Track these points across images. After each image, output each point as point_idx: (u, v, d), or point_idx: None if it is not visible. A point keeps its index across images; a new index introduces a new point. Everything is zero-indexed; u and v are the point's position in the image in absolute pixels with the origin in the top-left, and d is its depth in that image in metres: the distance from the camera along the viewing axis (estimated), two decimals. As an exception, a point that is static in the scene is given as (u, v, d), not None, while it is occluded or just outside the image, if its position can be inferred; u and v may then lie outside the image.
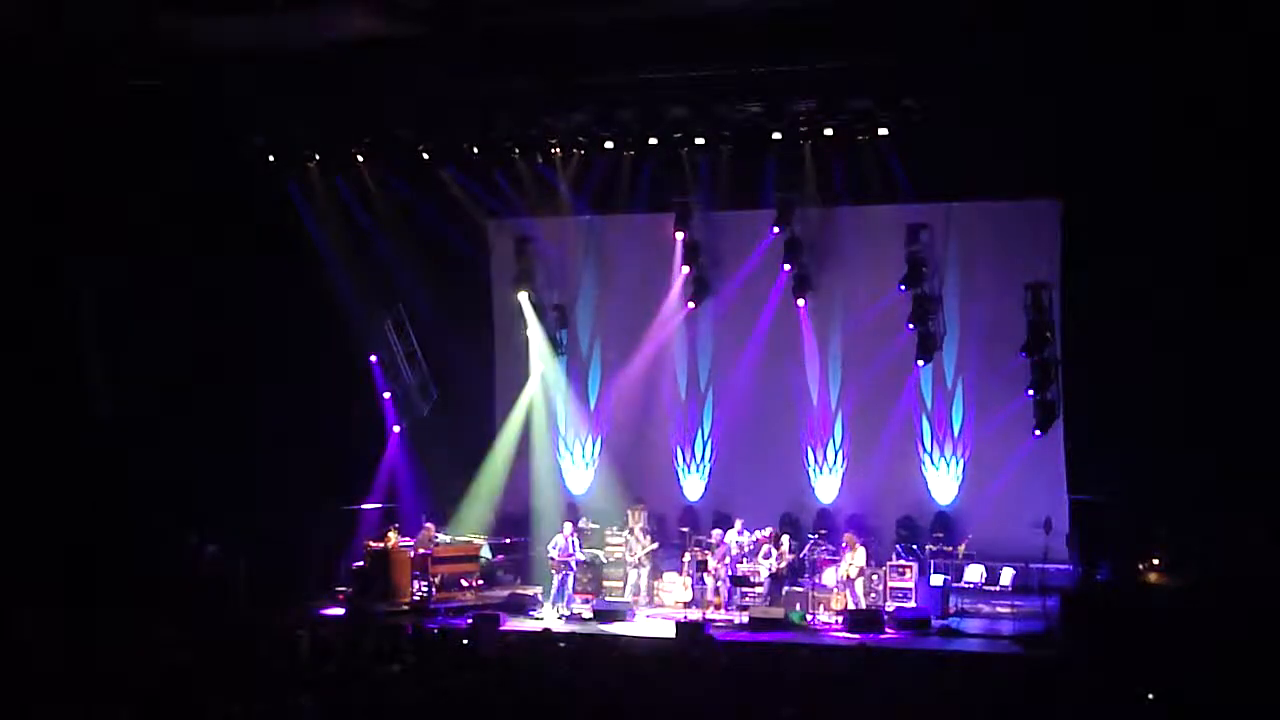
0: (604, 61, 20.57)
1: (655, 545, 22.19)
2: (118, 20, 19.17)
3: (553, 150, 22.88)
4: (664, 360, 24.24)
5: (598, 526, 22.91)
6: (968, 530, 21.95)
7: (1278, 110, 18.72)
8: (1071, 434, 21.91)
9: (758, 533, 21.59)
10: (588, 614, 20.82)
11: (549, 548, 21.73)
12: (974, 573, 21.38)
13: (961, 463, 22.91)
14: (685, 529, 22.84)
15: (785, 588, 20.91)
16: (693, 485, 24.37)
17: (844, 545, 20.96)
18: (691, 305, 23.80)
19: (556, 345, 24.76)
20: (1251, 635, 15.78)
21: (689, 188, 22.97)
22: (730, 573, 21.10)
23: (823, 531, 22.32)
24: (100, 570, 20.12)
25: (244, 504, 21.70)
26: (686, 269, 23.55)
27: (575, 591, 21.58)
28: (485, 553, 22.78)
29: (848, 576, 20.64)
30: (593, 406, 24.88)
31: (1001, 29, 18.78)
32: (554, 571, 21.52)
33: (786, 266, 22.97)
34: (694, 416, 24.35)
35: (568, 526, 22.04)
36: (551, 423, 24.92)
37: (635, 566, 21.88)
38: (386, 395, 24.58)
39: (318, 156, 23.40)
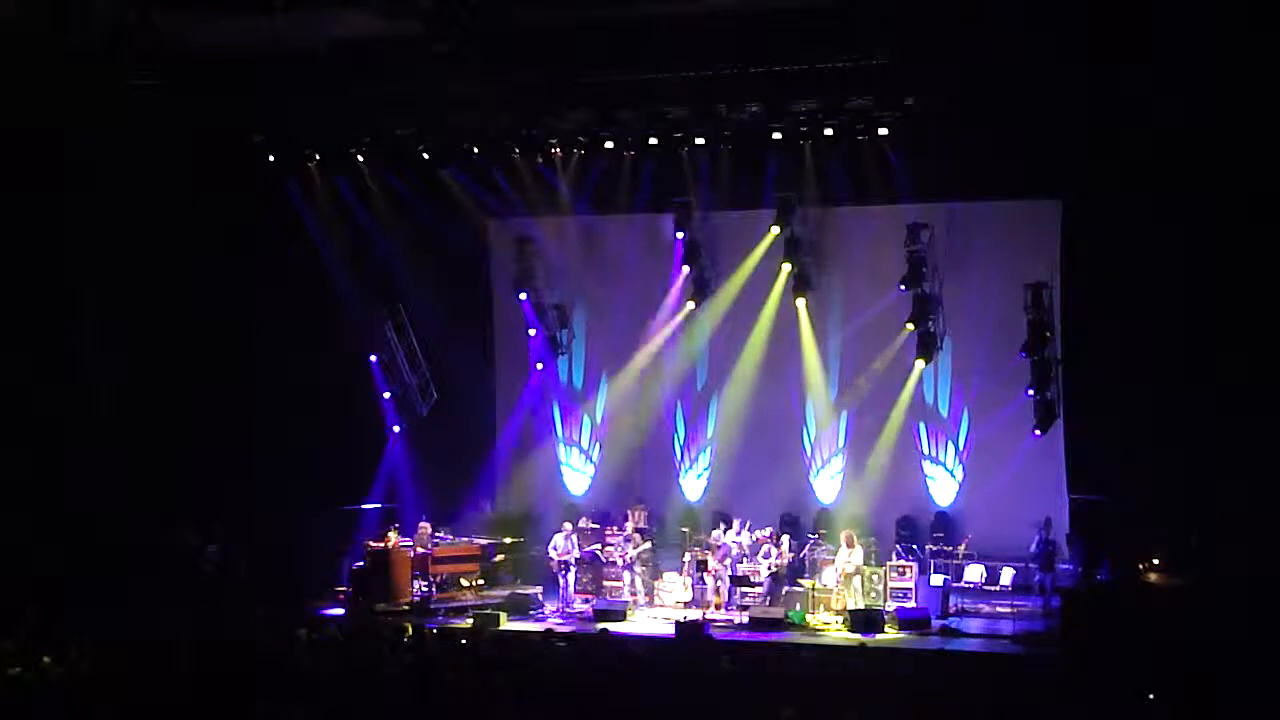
0: (604, 61, 20.57)
1: (647, 545, 22.17)
2: (118, 20, 19.17)
3: (553, 150, 22.88)
4: (664, 360, 24.24)
5: (598, 526, 22.91)
6: (968, 530, 21.96)
7: (1278, 109, 18.71)
8: (1071, 434, 21.92)
9: (758, 533, 21.60)
10: (588, 614, 20.83)
11: (549, 548, 21.74)
12: (974, 573, 21.39)
13: (961, 463, 22.92)
14: (685, 529, 22.84)
15: (785, 588, 20.91)
16: (693, 485, 24.38)
17: (841, 542, 20.98)
18: (691, 305, 23.79)
19: (556, 345, 24.77)
20: (1251, 635, 15.78)
21: (689, 188, 22.96)
22: (730, 573, 21.10)
23: (823, 531, 22.33)
24: (100, 570, 20.11)
25: (244, 504, 21.69)
26: (686, 269, 23.55)
27: (575, 591, 21.60)
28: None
29: (844, 574, 20.65)
30: (593, 406, 24.90)
31: (1001, 29, 18.78)
32: (555, 571, 21.55)
33: (786, 266, 22.97)
34: (694, 416, 24.36)
35: (567, 526, 22.06)
36: (551, 422, 24.94)
37: (626, 568, 21.86)
38: (386, 395, 24.58)
39: (318, 156, 23.39)
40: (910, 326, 22.33)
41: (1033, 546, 20.78)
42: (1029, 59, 19.13)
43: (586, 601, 21.43)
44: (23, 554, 19.77)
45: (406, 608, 21.13)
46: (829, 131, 21.42)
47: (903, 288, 22.22)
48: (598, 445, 24.85)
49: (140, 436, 21.96)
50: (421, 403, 24.80)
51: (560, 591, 21.52)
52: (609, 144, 22.45)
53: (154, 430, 22.02)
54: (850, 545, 20.78)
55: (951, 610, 20.67)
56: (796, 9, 19.17)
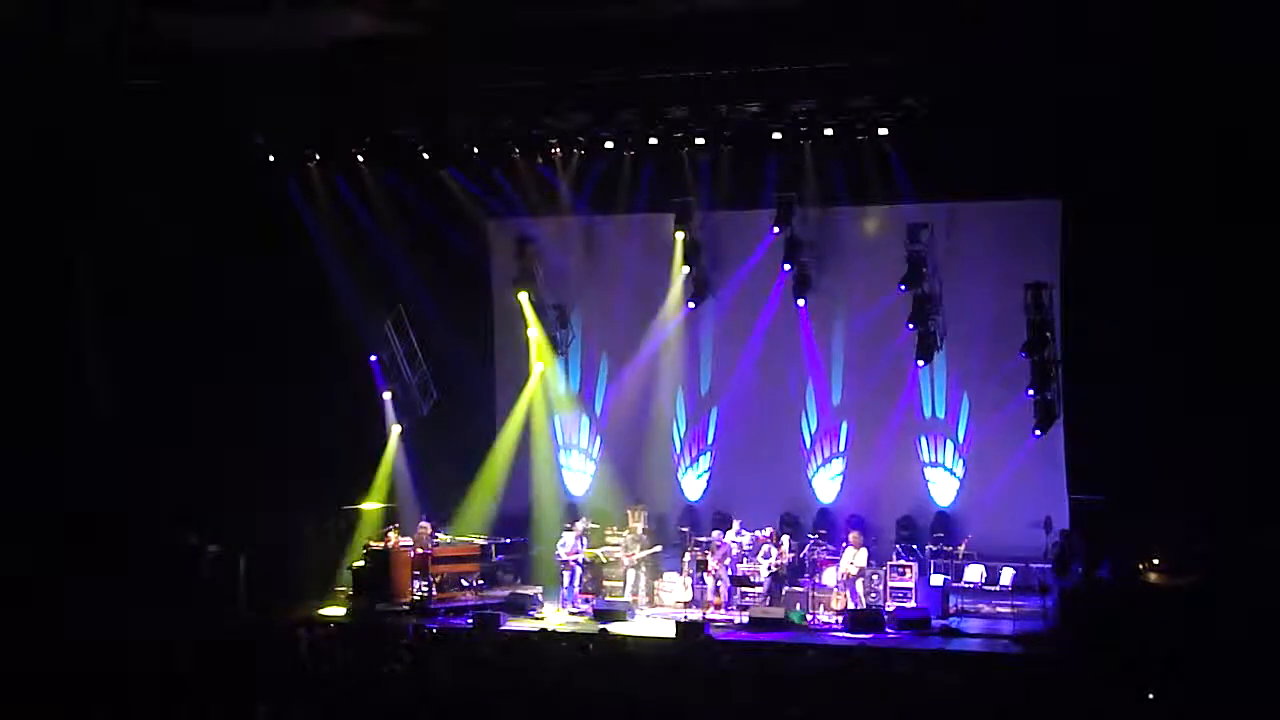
0: (604, 61, 20.57)
1: (658, 548, 22.19)
2: (118, 20, 19.18)
3: (553, 150, 22.87)
4: (664, 360, 24.23)
5: (598, 526, 22.91)
6: (968, 530, 21.96)
7: (1277, 108, 18.72)
8: (1071, 434, 21.92)
9: (758, 533, 21.60)
10: (588, 614, 20.84)
11: (558, 546, 21.77)
12: (974, 573, 21.39)
13: (961, 463, 22.92)
14: (685, 529, 22.83)
15: (785, 588, 20.92)
16: (693, 485, 24.38)
17: (847, 543, 20.97)
18: (691, 305, 23.79)
19: (556, 345, 24.77)
20: (1251, 635, 15.79)
21: (689, 188, 22.96)
22: (730, 573, 21.10)
23: (823, 531, 22.33)
24: (100, 570, 20.11)
25: (244, 504, 21.69)
26: (686, 269, 23.54)
27: (578, 591, 21.61)
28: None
29: (848, 575, 20.66)
30: (593, 406, 24.91)
31: (1001, 29, 18.78)
32: (561, 570, 21.56)
33: (786, 266, 22.97)
34: (694, 416, 24.37)
35: (579, 525, 22.09)
36: (551, 423, 24.94)
37: (632, 568, 21.89)
38: (386, 395, 24.57)
39: (318, 156, 23.37)
40: (910, 326, 22.32)
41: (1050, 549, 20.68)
42: (1029, 59, 19.12)
43: (587, 601, 21.44)
44: (23, 554, 19.77)
45: (406, 608, 21.12)
46: (829, 131, 21.42)
47: (903, 288, 22.22)
48: (598, 445, 24.85)
49: (140, 436, 21.94)
50: (422, 403, 24.80)
51: (562, 591, 21.52)
52: (609, 144, 22.45)
53: (154, 430, 22.00)
54: (857, 546, 20.80)
55: (951, 610, 20.67)
56: (796, 9, 19.17)
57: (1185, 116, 19.07)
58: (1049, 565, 20.53)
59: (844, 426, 23.59)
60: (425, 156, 23.13)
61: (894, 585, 20.99)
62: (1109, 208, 20.47)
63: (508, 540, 23.30)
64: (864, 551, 20.76)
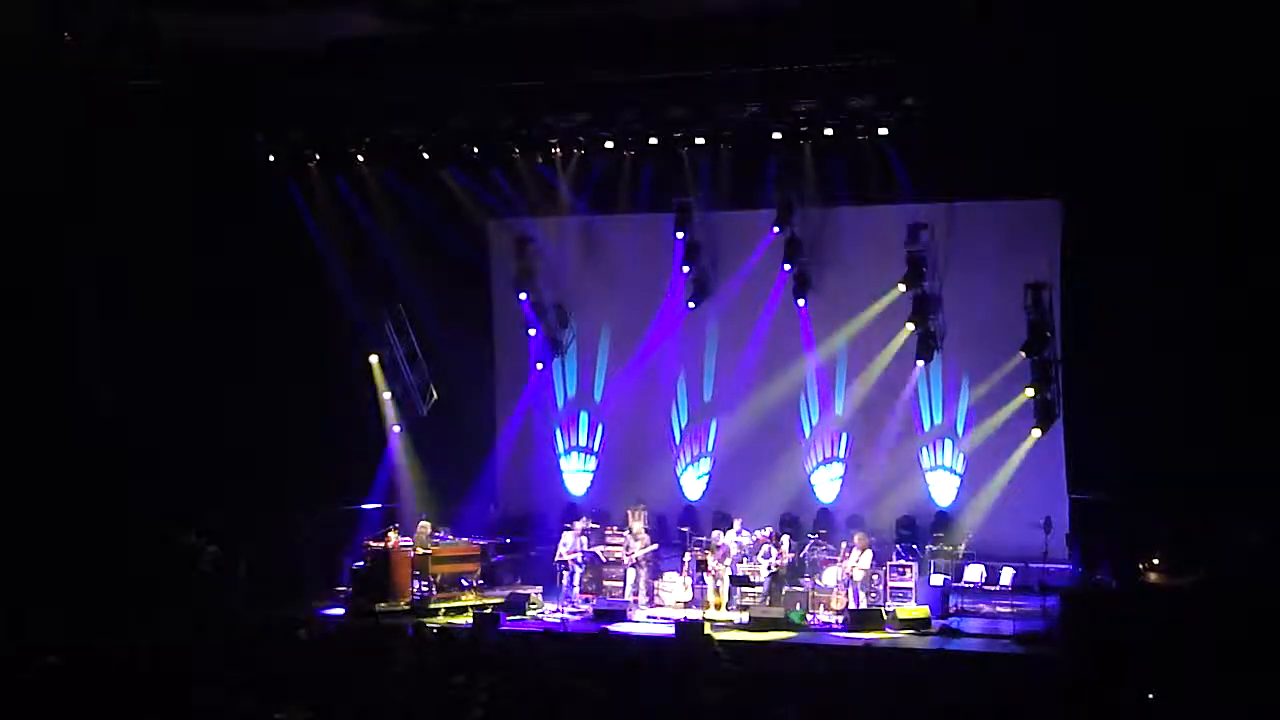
0: (604, 61, 20.57)
1: (655, 546, 22.20)
2: (118, 20, 19.17)
3: (553, 150, 22.87)
4: (664, 360, 24.24)
5: (598, 526, 22.92)
6: (968, 530, 21.96)
7: (1278, 109, 18.71)
8: (1071, 434, 21.92)
9: (758, 533, 21.60)
10: (588, 614, 20.84)
11: (560, 544, 21.77)
12: (974, 573, 21.39)
13: (962, 462, 22.92)
14: (685, 529, 22.84)
15: (785, 588, 20.91)
16: (693, 485, 24.37)
17: (852, 544, 20.94)
18: (691, 305, 23.80)
19: (557, 345, 24.77)
20: (1251, 635, 15.78)
21: (689, 188, 22.96)
22: (730, 573, 21.10)
23: (823, 531, 22.33)
24: (100, 570, 20.10)
25: (244, 504, 21.69)
26: (686, 269, 23.54)
27: (578, 591, 21.61)
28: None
29: (851, 577, 20.65)
30: (593, 406, 24.91)
31: (1001, 29, 18.78)
32: (561, 570, 21.56)
33: (786, 266, 22.97)
34: (694, 416, 24.37)
35: (579, 524, 22.09)
36: (551, 423, 24.94)
37: (633, 566, 21.91)
38: (386, 395, 24.57)
39: (318, 156, 23.37)
40: (910, 326, 22.34)
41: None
42: (1029, 59, 19.12)
43: (587, 601, 21.45)
44: (23, 555, 19.75)
45: (406, 608, 21.12)
46: (829, 131, 21.41)
47: (903, 288, 22.23)
48: (598, 444, 24.85)
49: (140, 436, 21.93)
50: (421, 403, 24.80)
51: (563, 591, 21.53)
52: (609, 144, 22.44)
53: (154, 430, 21.99)
54: (864, 548, 20.78)
55: (951, 610, 20.68)
56: (796, 9, 19.17)
57: (1185, 116, 19.06)
58: (1070, 566, 20.51)
59: (844, 426, 23.57)
60: (425, 156, 23.12)
61: (894, 585, 21.00)
62: (1109, 208, 20.46)
63: (508, 540, 23.31)
64: (870, 554, 20.75)
